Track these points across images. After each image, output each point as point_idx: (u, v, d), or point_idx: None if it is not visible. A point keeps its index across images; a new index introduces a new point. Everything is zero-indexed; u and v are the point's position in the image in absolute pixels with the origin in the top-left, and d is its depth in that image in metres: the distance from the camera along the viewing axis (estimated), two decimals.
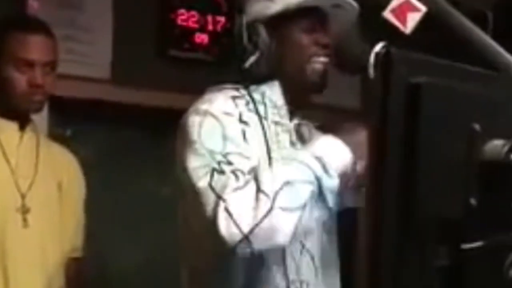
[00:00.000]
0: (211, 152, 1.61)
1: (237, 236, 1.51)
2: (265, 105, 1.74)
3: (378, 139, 0.83)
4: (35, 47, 2.20)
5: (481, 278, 0.90)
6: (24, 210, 2.18)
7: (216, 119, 1.65)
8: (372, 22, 1.41)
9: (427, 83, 0.86)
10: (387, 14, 1.32)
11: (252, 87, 1.76)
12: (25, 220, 2.18)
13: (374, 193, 0.86)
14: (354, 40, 1.67)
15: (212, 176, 1.57)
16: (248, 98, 1.73)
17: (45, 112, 2.57)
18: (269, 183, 1.54)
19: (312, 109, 1.89)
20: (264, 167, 1.63)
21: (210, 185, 1.56)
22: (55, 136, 2.74)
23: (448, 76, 0.90)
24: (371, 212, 0.86)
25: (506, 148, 0.90)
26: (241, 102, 1.72)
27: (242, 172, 1.58)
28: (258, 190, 1.54)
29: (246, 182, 1.57)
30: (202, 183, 1.58)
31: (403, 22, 1.30)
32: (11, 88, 2.18)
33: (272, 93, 1.76)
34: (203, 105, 1.68)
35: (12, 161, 2.20)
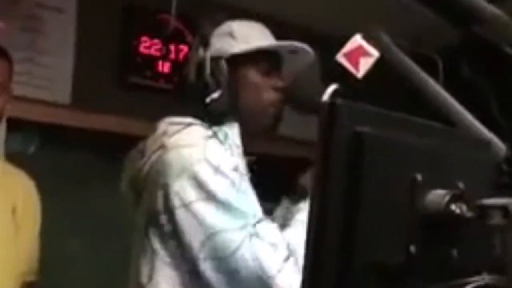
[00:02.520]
0: (243, 214, 1.64)
1: None
2: (230, 147, 1.75)
3: (320, 187, 0.84)
4: None
5: None
6: None
7: (228, 177, 1.67)
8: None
9: (371, 133, 0.87)
10: (340, 58, 1.33)
11: (215, 127, 1.77)
12: None
13: (314, 238, 0.87)
14: (309, 81, 1.70)
15: (251, 242, 1.62)
16: (217, 139, 1.74)
17: (2, 132, 2.56)
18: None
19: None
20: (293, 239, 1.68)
21: (254, 255, 1.61)
22: (14, 154, 2.72)
23: (392, 127, 0.91)
24: (310, 257, 0.86)
25: (446, 198, 0.92)
26: (219, 144, 1.73)
27: (277, 240, 1.65)
28: (297, 264, 1.63)
29: (286, 259, 1.63)
30: (243, 251, 1.61)
31: (356, 66, 1.32)
32: None
33: (233, 135, 1.77)
34: (208, 156, 1.68)
35: None
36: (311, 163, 1.73)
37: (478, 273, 0.89)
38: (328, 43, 1.91)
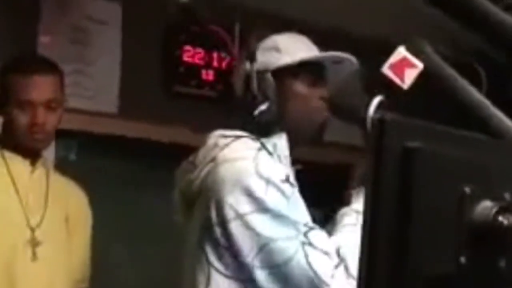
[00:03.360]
0: (294, 224, 1.69)
1: None
2: (278, 157, 1.80)
3: (372, 202, 0.87)
4: (33, 87, 2.27)
5: None
6: (34, 244, 2.25)
7: (279, 188, 1.72)
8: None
9: (419, 147, 0.90)
10: (386, 70, 1.36)
11: (263, 139, 1.81)
12: (34, 253, 2.24)
13: (368, 250, 0.90)
14: (354, 91, 1.73)
15: (304, 250, 1.67)
16: (266, 150, 1.79)
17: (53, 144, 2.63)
18: (353, 263, 1.64)
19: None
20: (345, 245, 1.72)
21: (308, 263, 1.66)
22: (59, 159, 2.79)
23: (440, 141, 0.94)
24: (364, 268, 0.89)
25: (494, 210, 0.94)
26: (268, 155, 1.78)
27: (328, 248, 1.70)
28: (346, 270, 1.67)
29: (337, 266, 1.68)
30: (298, 259, 1.67)
31: (401, 78, 1.35)
32: (15, 128, 2.28)
33: (282, 145, 1.82)
34: (259, 168, 1.73)
35: (23, 196, 2.27)
36: (355, 169, 1.77)
37: None
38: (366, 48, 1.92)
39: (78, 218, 2.46)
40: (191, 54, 3.45)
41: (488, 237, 0.94)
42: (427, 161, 0.90)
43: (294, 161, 1.86)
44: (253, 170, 1.71)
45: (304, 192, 1.80)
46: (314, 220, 1.76)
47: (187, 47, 3.45)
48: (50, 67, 2.36)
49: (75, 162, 3.29)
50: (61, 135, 2.66)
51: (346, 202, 1.82)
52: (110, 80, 3.22)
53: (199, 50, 3.47)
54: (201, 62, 3.48)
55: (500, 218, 0.93)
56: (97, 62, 3.19)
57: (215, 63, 3.52)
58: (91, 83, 3.17)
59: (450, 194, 0.92)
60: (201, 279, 1.77)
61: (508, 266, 0.97)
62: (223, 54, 3.52)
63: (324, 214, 1.99)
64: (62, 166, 2.90)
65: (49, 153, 2.73)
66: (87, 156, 3.33)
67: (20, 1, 2.96)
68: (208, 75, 3.50)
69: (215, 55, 3.51)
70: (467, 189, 0.93)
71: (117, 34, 3.24)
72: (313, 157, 1.99)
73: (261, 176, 1.70)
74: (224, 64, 3.52)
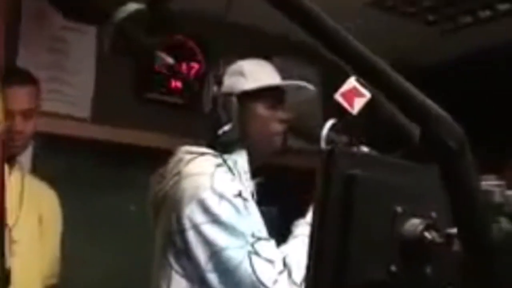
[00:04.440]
0: (242, 235, 1.82)
1: None
2: (239, 173, 1.94)
3: (318, 218, 1.01)
4: (12, 98, 2.33)
5: None
6: (10, 242, 2.32)
7: (230, 202, 1.84)
8: None
9: (360, 174, 1.04)
10: (338, 96, 1.51)
11: (225, 156, 1.94)
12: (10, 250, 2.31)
13: (314, 260, 1.04)
14: (311, 113, 1.87)
15: (250, 258, 1.80)
16: (226, 166, 1.91)
17: (30, 150, 2.72)
18: (297, 270, 1.80)
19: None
20: (286, 251, 1.87)
21: (253, 270, 1.79)
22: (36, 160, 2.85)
23: (377, 167, 1.09)
24: (311, 275, 1.03)
25: (421, 227, 1.08)
26: (227, 172, 1.91)
27: (273, 256, 1.83)
28: (290, 276, 1.80)
29: (280, 272, 1.81)
30: (244, 266, 1.80)
31: (351, 104, 1.49)
32: None
33: (242, 161, 1.95)
34: (214, 184, 1.85)
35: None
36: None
37: (445, 286, 1.06)
38: None
39: (50, 218, 2.55)
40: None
41: (416, 249, 1.09)
42: (366, 185, 1.04)
43: (254, 174, 2.00)
44: (208, 185, 1.84)
45: (266, 193, 1.95)
46: (271, 215, 1.91)
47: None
48: (27, 78, 2.44)
49: (49, 162, 3.37)
50: (38, 137, 2.74)
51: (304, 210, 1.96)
52: (85, 87, 3.31)
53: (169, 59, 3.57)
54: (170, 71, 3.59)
55: (426, 233, 1.08)
56: (73, 70, 3.28)
57: (183, 72, 3.63)
58: (67, 89, 3.25)
59: (384, 213, 1.07)
60: (164, 280, 1.91)
61: (433, 273, 1.12)
62: (191, 64, 3.63)
63: (280, 210, 2.13)
64: (38, 166, 3.00)
65: (27, 154, 2.82)
66: (60, 157, 3.41)
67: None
68: (177, 83, 3.61)
69: (184, 64, 3.62)
70: (399, 209, 1.08)
71: (92, 42, 3.32)
72: (281, 162, 2.12)
73: (214, 191, 1.84)
74: (192, 73, 3.63)
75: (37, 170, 2.88)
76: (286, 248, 1.87)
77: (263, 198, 1.99)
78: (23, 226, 2.36)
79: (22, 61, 2.96)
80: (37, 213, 2.48)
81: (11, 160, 2.40)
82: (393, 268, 1.07)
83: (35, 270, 2.42)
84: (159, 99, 3.56)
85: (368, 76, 0.67)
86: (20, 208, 2.39)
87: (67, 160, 3.42)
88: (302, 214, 1.95)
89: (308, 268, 1.04)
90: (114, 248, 3.53)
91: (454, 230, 1.07)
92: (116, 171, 3.56)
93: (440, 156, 0.68)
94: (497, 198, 0.96)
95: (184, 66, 3.64)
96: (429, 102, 0.67)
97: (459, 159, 0.68)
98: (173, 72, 3.48)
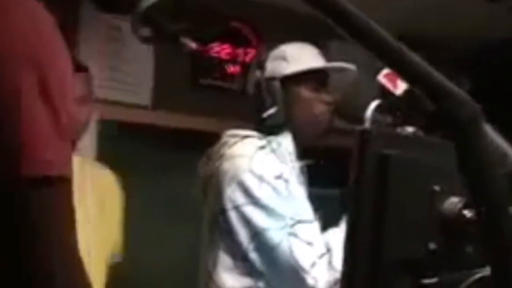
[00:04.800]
0: (282, 217, 1.85)
1: None
2: (283, 155, 1.95)
3: (355, 199, 1.02)
4: None
5: None
6: None
7: (270, 184, 1.87)
8: None
9: (395, 154, 1.04)
10: (381, 78, 1.50)
11: (270, 137, 1.97)
12: None
13: (351, 239, 1.05)
14: (356, 97, 1.87)
15: (289, 240, 1.82)
16: (269, 148, 1.94)
17: (94, 135, 2.79)
18: (338, 257, 1.80)
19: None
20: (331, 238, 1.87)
21: (291, 251, 1.82)
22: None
23: (413, 146, 1.09)
24: (348, 254, 1.04)
25: (460, 205, 1.08)
26: (269, 153, 1.93)
27: (313, 239, 1.84)
28: (330, 262, 1.81)
29: (321, 256, 1.82)
30: (283, 248, 1.82)
31: (395, 85, 1.49)
32: None
33: (287, 143, 1.97)
34: (252, 166, 1.89)
35: None
36: None
37: (483, 265, 1.06)
38: None
39: (112, 201, 2.62)
40: (218, 50, 3.59)
41: (455, 227, 1.08)
42: (400, 164, 1.04)
43: (303, 156, 2.01)
44: (247, 167, 1.88)
45: (315, 176, 1.97)
46: (313, 199, 1.93)
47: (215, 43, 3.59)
48: (77, 65, 2.49)
49: (114, 149, 3.46)
50: (101, 124, 2.81)
51: None
52: (144, 75, 3.38)
53: (226, 45, 3.61)
54: (227, 57, 3.62)
55: (465, 212, 1.07)
56: (132, 59, 3.34)
57: (240, 58, 3.66)
58: (126, 77, 3.33)
59: (421, 192, 1.07)
60: (211, 258, 1.96)
61: (473, 251, 1.11)
62: (248, 49, 3.65)
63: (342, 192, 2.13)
64: (103, 153, 3.08)
65: (91, 141, 2.90)
66: (125, 144, 3.49)
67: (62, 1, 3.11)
68: (234, 69, 3.64)
69: (240, 50, 3.65)
70: (437, 187, 1.07)
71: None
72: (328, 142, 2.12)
73: (254, 173, 1.87)
74: (248, 59, 3.66)
75: (101, 156, 2.96)
76: (330, 234, 1.88)
77: (322, 180, 2.00)
78: (84, 209, 2.44)
79: (82, 51, 3.04)
80: (100, 197, 2.55)
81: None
82: (432, 246, 1.07)
83: (100, 250, 2.50)
84: (215, 85, 3.60)
85: (382, 55, 0.68)
86: (82, 192, 2.46)
87: (130, 146, 3.49)
88: None
89: (345, 248, 1.05)
90: (174, 231, 3.61)
91: None
92: (176, 155, 3.63)
93: (455, 131, 0.68)
94: None
95: (241, 52, 3.67)
96: (443, 79, 0.67)
97: (472, 134, 0.67)
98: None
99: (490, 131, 0.91)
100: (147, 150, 3.57)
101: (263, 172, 1.88)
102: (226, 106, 3.46)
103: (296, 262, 1.81)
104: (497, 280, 0.73)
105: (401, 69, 0.66)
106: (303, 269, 1.81)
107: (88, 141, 2.63)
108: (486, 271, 1.08)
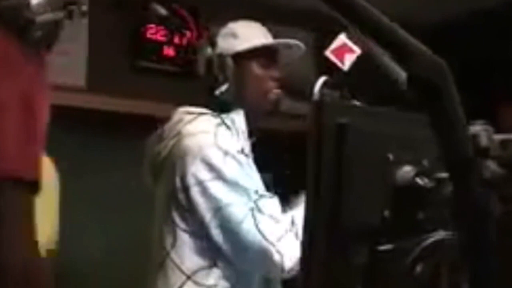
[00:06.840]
0: (246, 191, 1.85)
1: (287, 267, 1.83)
2: (237, 131, 1.97)
3: (313, 167, 1.04)
4: None
5: (392, 273, 1.12)
6: None
7: (234, 158, 1.88)
8: None
9: (351, 123, 1.07)
10: (328, 53, 1.53)
11: (223, 115, 1.97)
12: None
13: (310, 207, 1.07)
14: (304, 75, 1.90)
15: (253, 215, 1.83)
16: (225, 125, 1.95)
17: None
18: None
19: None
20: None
21: (256, 226, 1.82)
22: None
23: (367, 117, 1.11)
24: (308, 221, 1.06)
25: (413, 173, 1.12)
26: (227, 130, 1.94)
27: (276, 213, 1.86)
28: (297, 237, 1.83)
29: (287, 231, 1.83)
30: (247, 223, 1.83)
31: (342, 61, 1.52)
32: None
33: (239, 120, 1.98)
34: (218, 141, 1.88)
35: None
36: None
37: (436, 230, 1.10)
38: None
39: (48, 188, 2.57)
40: (154, 32, 3.57)
41: (408, 194, 1.12)
42: (357, 133, 1.06)
43: (251, 133, 2.03)
44: (213, 143, 1.88)
45: (258, 159, 1.98)
46: (265, 183, 1.94)
47: (151, 25, 3.56)
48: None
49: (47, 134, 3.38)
50: None
51: None
52: (78, 56, 3.32)
53: (162, 27, 3.59)
54: (163, 39, 3.60)
55: (417, 179, 1.11)
56: (66, 39, 3.27)
57: (176, 40, 3.64)
58: (60, 59, 3.26)
59: (377, 161, 1.10)
60: (169, 237, 1.94)
61: (424, 218, 1.15)
62: (184, 32, 3.64)
63: (274, 176, 2.16)
64: None
65: None
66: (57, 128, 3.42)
67: None
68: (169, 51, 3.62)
69: (176, 32, 3.63)
70: (391, 156, 1.11)
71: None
72: (272, 125, 2.15)
73: (219, 148, 1.87)
74: (184, 41, 3.65)
75: None
76: (293, 211, 1.90)
77: (256, 164, 2.01)
78: None
79: None
80: None
81: None
82: (386, 213, 1.11)
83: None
84: (152, 67, 3.58)
85: (347, 13, 0.69)
86: None
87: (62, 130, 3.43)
88: (296, 179, 1.98)
89: (305, 217, 1.07)
90: (110, 217, 3.57)
91: (444, 175, 1.11)
92: (114, 139, 3.59)
93: (423, 92, 0.70)
94: (484, 142, 0.98)
95: (176, 34, 3.65)
96: (410, 39, 0.69)
97: (442, 92, 0.70)
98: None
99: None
100: (80, 135, 3.52)
101: (228, 147, 1.88)
102: (163, 89, 3.45)
103: (262, 237, 1.82)
104: (466, 241, 0.76)
105: (362, 26, 0.68)
106: (269, 245, 1.82)
107: None
108: (438, 235, 1.12)
